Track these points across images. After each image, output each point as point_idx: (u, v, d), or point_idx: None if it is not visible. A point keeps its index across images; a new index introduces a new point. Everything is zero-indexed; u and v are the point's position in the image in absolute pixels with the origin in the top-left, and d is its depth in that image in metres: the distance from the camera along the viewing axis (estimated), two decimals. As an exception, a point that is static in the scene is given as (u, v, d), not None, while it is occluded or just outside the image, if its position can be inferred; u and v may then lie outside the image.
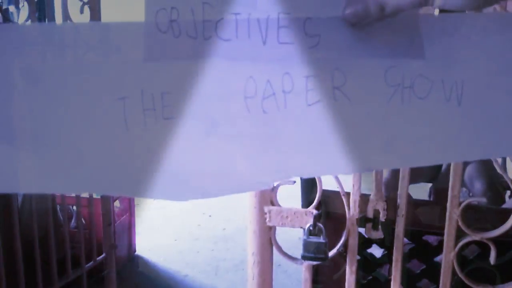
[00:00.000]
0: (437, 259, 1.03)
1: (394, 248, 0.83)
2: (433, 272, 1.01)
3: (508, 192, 1.76)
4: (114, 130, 0.46)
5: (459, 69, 0.48)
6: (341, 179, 0.86)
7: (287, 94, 0.47)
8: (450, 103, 0.48)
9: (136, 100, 0.45)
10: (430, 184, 2.22)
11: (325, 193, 0.92)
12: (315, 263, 0.84)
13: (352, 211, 0.85)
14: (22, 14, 1.93)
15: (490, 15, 0.54)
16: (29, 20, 1.40)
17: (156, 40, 0.45)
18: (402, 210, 0.81)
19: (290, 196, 1.07)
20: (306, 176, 0.52)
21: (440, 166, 1.85)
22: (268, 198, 0.88)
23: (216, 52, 0.46)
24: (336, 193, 0.89)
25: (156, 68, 0.45)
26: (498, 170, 0.81)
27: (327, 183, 0.90)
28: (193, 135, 0.47)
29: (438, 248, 0.95)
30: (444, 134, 0.49)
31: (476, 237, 0.78)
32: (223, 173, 0.48)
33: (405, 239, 1.06)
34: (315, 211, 0.84)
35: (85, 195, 1.84)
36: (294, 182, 0.82)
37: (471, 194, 1.81)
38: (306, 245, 0.83)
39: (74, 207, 1.92)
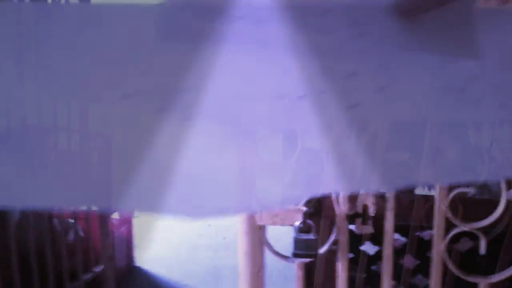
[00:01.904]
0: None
1: (384, 243, 0.83)
2: (428, 267, 1.01)
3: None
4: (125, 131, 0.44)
5: None
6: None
7: (323, 94, 0.42)
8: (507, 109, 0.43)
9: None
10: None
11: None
12: (306, 260, 0.84)
13: (341, 207, 0.85)
14: None
15: None
16: None
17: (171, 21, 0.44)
18: (391, 204, 0.81)
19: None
20: (337, 192, 0.48)
21: None
22: (258, 198, 0.88)
23: (246, 35, 0.42)
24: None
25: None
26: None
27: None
28: (213, 139, 0.43)
29: (431, 243, 0.94)
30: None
31: (466, 227, 0.78)
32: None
33: (399, 235, 1.06)
34: (304, 208, 0.85)
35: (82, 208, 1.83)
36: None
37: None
38: (297, 243, 0.83)
39: (72, 220, 1.91)
